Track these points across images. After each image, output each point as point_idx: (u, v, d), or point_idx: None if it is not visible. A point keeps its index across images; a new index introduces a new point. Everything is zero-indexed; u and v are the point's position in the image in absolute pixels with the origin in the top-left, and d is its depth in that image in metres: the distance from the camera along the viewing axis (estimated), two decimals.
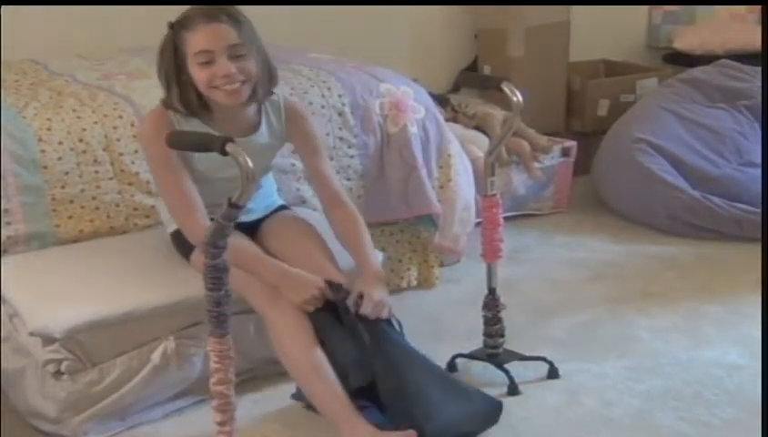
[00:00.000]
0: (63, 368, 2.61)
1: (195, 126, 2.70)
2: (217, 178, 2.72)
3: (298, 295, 2.61)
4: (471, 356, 3.02)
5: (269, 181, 3.03)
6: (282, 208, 3.05)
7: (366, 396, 2.58)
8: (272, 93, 2.80)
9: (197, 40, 2.61)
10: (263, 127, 2.81)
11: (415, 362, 2.62)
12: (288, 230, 2.92)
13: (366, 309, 2.61)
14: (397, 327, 2.68)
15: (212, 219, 2.25)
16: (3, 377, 2.85)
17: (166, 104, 2.71)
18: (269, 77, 2.76)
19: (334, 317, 2.63)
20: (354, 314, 2.62)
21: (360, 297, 2.64)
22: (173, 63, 2.66)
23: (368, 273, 2.73)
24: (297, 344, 2.58)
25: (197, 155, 2.70)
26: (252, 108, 2.78)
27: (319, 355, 2.57)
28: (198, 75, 2.63)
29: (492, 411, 2.67)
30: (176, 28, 2.64)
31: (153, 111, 2.77)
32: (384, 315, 2.64)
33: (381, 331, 2.61)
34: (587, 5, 5.26)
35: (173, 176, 2.69)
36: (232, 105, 2.68)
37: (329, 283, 2.65)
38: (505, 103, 2.96)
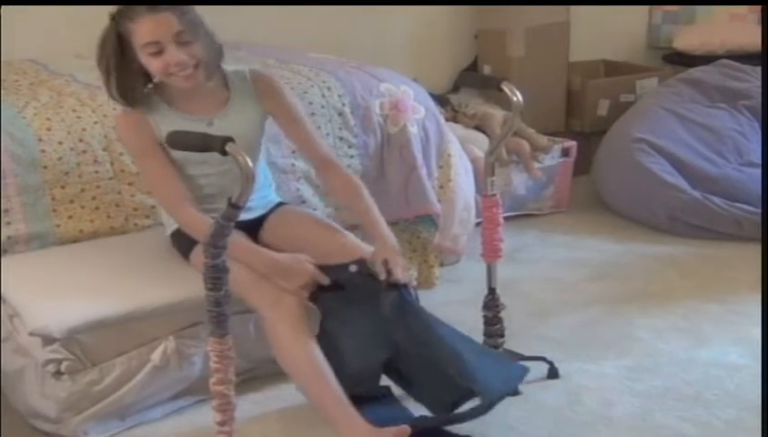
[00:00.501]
0: (63, 368, 2.61)
1: (165, 112, 2.74)
2: (193, 163, 2.76)
3: (289, 283, 2.62)
4: None
5: (263, 173, 3.01)
6: (281, 204, 3.05)
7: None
8: (219, 67, 2.81)
9: (143, 32, 2.63)
10: (234, 100, 2.82)
11: (443, 327, 2.63)
12: (291, 222, 2.92)
13: (397, 275, 2.61)
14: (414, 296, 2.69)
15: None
16: (3, 377, 2.85)
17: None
18: (216, 54, 2.77)
19: (339, 300, 2.63)
20: (377, 283, 2.61)
21: (385, 264, 2.63)
22: (115, 53, 2.68)
23: (382, 241, 2.73)
24: (295, 344, 2.57)
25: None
26: (213, 84, 2.81)
27: (317, 355, 2.56)
28: (152, 65, 2.66)
29: (519, 374, 2.68)
30: (119, 20, 2.67)
31: (123, 108, 2.79)
32: (407, 279, 2.67)
33: (404, 300, 2.62)
34: (587, 6, 5.25)
35: (159, 168, 2.73)
36: (192, 88, 2.72)
37: (322, 267, 2.64)
38: (505, 103, 2.96)
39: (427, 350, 2.56)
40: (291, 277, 2.63)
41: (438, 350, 2.55)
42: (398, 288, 2.62)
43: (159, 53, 2.64)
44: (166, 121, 2.71)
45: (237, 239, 2.68)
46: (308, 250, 2.71)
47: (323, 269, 2.65)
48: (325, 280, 2.64)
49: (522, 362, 2.96)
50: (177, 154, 2.71)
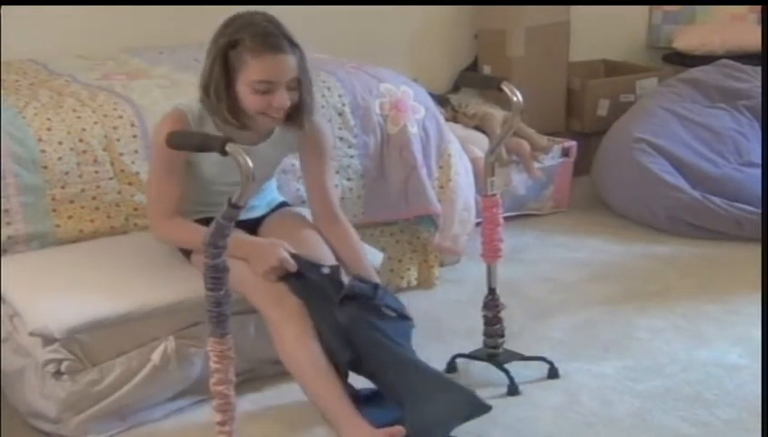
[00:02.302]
0: (63, 368, 2.61)
1: (212, 130, 2.69)
2: (222, 183, 2.74)
3: (259, 265, 2.63)
4: (471, 356, 3.02)
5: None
6: (283, 204, 3.07)
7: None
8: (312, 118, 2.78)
9: (261, 69, 2.58)
10: (278, 133, 2.81)
11: (396, 353, 2.61)
12: (288, 223, 2.93)
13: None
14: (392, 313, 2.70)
15: (211, 219, 2.25)
16: (3, 377, 2.85)
17: (211, 110, 2.68)
18: (311, 102, 2.75)
19: (316, 291, 2.65)
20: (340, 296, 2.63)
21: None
22: (224, 76, 2.62)
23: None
24: (298, 344, 2.58)
25: (205, 163, 2.73)
26: None
27: (321, 355, 2.57)
28: (252, 100, 2.62)
29: (474, 405, 2.55)
30: (236, 45, 2.59)
31: (173, 113, 2.72)
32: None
33: (361, 317, 2.62)
34: (587, 5, 5.25)
35: (169, 183, 2.73)
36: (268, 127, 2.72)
37: (295, 256, 2.66)
38: (505, 103, 2.96)
39: (379, 368, 2.59)
40: (262, 260, 2.64)
41: (388, 375, 2.58)
42: (364, 303, 2.63)
43: (266, 92, 2.60)
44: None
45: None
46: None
47: (297, 259, 2.66)
48: (293, 268, 2.64)
49: (522, 362, 2.98)
50: (211, 169, 2.71)
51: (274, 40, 2.59)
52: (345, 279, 2.71)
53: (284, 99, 2.63)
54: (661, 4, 5.57)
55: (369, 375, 2.64)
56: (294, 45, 2.64)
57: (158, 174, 2.76)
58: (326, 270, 2.69)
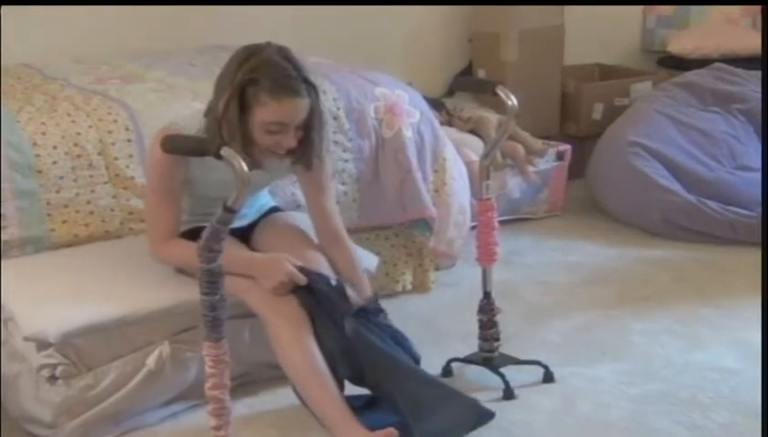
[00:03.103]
0: (57, 373, 2.60)
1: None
2: (217, 197, 2.73)
3: (267, 281, 2.63)
4: (467, 360, 3.02)
5: None
6: (274, 209, 3.06)
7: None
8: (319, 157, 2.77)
9: (276, 111, 2.56)
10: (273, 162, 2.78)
11: (400, 364, 2.64)
12: (280, 230, 2.94)
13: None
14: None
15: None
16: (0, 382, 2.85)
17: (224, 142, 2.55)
18: (321, 143, 2.74)
19: (323, 302, 2.65)
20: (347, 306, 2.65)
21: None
22: (238, 113, 2.57)
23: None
24: (296, 348, 2.58)
25: (201, 178, 2.71)
26: None
27: (318, 360, 2.57)
28: (261, 138, 2.60)
29: (479, 413, 2.63)
30: (255, 83, 2.55)
31: (167, 130, 2.65)
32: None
33: (365, 329, 2.63)
34: (582, 5, 5.25)
35: (168, 207, 2.72)
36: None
37: (302, 268, 2.66)
38: (500, 107, 2.96)
39: (384, 379, 2.59)
40: (269, 276, 2.64)
41: (392, 386, 2.59)
42: (367, 317, 2.66)
43: (277, 132, 2.59)
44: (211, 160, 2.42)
45: None
46: None
47: (305, 272, 2.66)
48: (302, 281, 2.64)
49: (517, 366, 2.97)
50: (208, 190, 2.70)
51: (293, 84, 2.57)
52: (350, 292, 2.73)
53: (292, 141, 2.62)
54: (655, 3, 5.57)
55: (373, 387, 2.64)
56: (310, 85, 2.63)
57: (157, 197, 2.73)
58: (334, 282, 2.70)
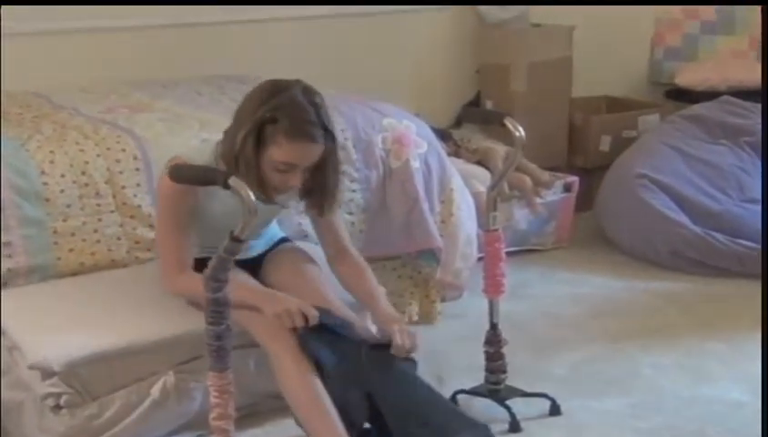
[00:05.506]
0: (62, 402, 2.59)
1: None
2: (231, 225, 2.73)
3: (271, 307, 2.60)
4: (473, 392, 3.01)
5: None
6: (284, 240, 3.05)
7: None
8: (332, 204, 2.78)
9: (289, 153, 2.56)
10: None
11: (418, 387, 2.63)
12: (290, 262, 2.92)
13: (403, 345, 2.61)
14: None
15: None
16: (2, 411, 2.84)
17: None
18: (336, 189, 2.74)
19: (327, 344, 2.62)
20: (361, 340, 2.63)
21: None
22: (255, 148, 2.57)
23: (388, 314, 2.75)
24: (298, 379, 2.57)
25: (218, 209, 2.70)
26: None
27: (320, 390, 2.56)
28: (271, 176, 2.59)
29: None
30: (274, 121, 2.54)
31: (175, 162, 2.65)
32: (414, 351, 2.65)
33: (381, 355, 2.61)
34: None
35: (179, 239, 2.71)
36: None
37: (317, 307, 2.63)
38: (507, 138, 2.96)
39: (400, 404, 2.57)
40: (274, 303, 2.61)
41: (410, 407, 2.56)
42: (380, 345, 2.63)
43: (286, 172, 2.59)
44: (221, 193, 2.43)
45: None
46: (290, 293, 2.70)
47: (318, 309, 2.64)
48: (314, 319, 2.59)
49: (524, 398, 2.96)
50: (222, 211, 2.68)
51: (311, 129, 2.56)
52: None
53: (298, 180, 2.62)
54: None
55: (388, 416, 2.58)
56: (328, 133, 2.62)
57: (168, 230, 2.73)
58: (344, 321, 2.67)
